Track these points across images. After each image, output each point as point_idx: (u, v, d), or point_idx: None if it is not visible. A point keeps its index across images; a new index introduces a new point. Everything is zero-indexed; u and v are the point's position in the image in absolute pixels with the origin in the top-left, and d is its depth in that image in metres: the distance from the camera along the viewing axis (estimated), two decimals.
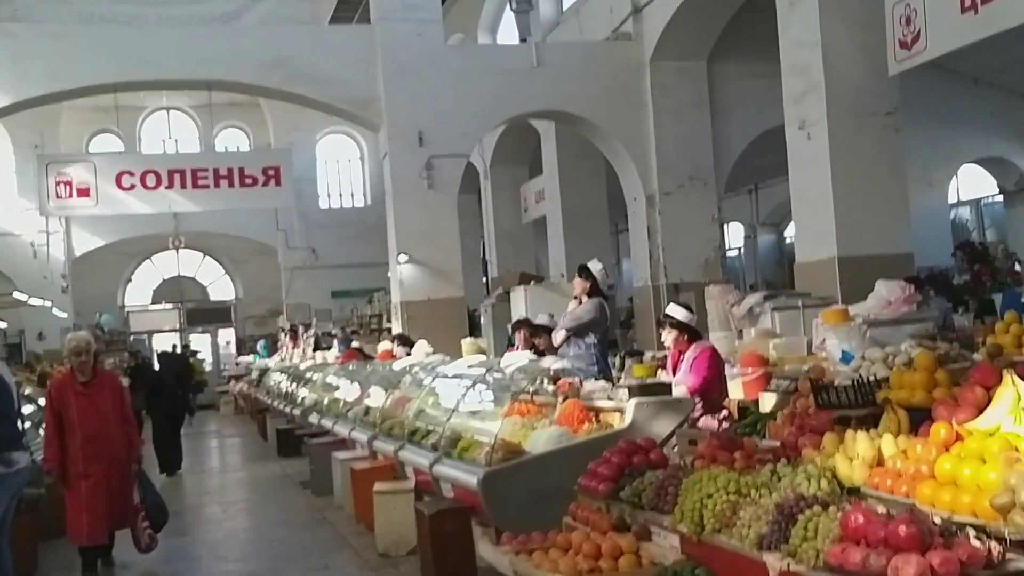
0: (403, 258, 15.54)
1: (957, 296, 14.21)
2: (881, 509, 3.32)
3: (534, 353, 8.72)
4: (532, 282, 16.08)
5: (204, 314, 33.08)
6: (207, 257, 32.87)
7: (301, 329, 25.57)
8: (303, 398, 14.80)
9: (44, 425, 8.26)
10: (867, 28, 11.64)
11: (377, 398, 10.35)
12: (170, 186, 16.11)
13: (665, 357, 11.13)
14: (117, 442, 7.87)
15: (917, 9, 10.60)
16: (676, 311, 7.32)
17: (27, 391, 11.19)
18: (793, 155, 12.52)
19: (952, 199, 19.57)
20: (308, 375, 15.95)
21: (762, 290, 13.93)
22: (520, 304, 15.53)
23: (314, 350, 21.83)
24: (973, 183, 20.02)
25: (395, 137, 15.53)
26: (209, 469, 15.91)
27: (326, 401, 12.91)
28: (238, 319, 33.04)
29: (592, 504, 4.74)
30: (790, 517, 3.34)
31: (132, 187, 16.02)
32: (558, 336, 8.74)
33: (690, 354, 7.22)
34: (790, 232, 25.81)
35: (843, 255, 11.66)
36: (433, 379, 9.11)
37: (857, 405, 4.33)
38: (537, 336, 10.51)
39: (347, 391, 12.31)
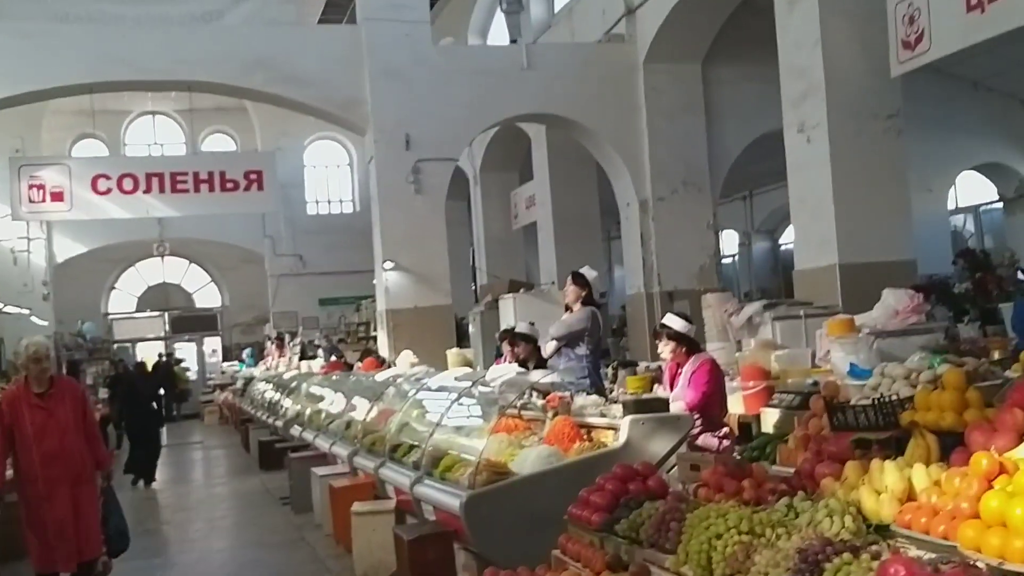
0: (389, 265, 15.08)
1: (958, 306, 13.82)
2: (915, 552, 2.90)
3: (520, 364, 8.27)
4: (522, 290, 15.63)
5: (189, 322, 32.66)
6: (192, 264, 32.42)
7: (287, 337, 25.15)
8: (286, 409, 14.35)
9: None
10: (869, 28, 11.27)
11: (360, 411, 9.89)
12: (148, 190, 15.57)
13: (660, 367, 10.78)
14: (81, 459, 6.99)
15: (921, 8, 10.23)
16: (673, 321, 6.87)
17: None
18: (792, 159, 12.12)
19: (950, 206, 19.20)
20: (292, 385, 15.49)
21: (757, 299, 13.54)
22: (509, 313, 15.08)
23: (300, 359, 21.40)
24: (970, 190, 19.66)
25: (381, 140, 15.07)
26: (188, 482, 15.43)
27: (308, 413, 12.45)
28: (224, 327, 32.60)
29: (584, 537, 4.28)
30: (815, 566, 2.89)
31: (109, 191, 15.46)
32: (548, 347, 8.27)
33: (688, 367, 6.77)
34: (785, 239, 25.49)
35: (844, 262, 11.25)
36: (416, 392, 8.65)
37: (878, 428, 3.89)
38: (516, 345, 10.15)
39: (330, 403, 11.86)
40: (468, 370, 10.04)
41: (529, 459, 5.92)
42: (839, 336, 7.56)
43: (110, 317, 31.88)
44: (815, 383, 7.07)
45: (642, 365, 11.23)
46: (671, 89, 15.78)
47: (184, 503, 12.91)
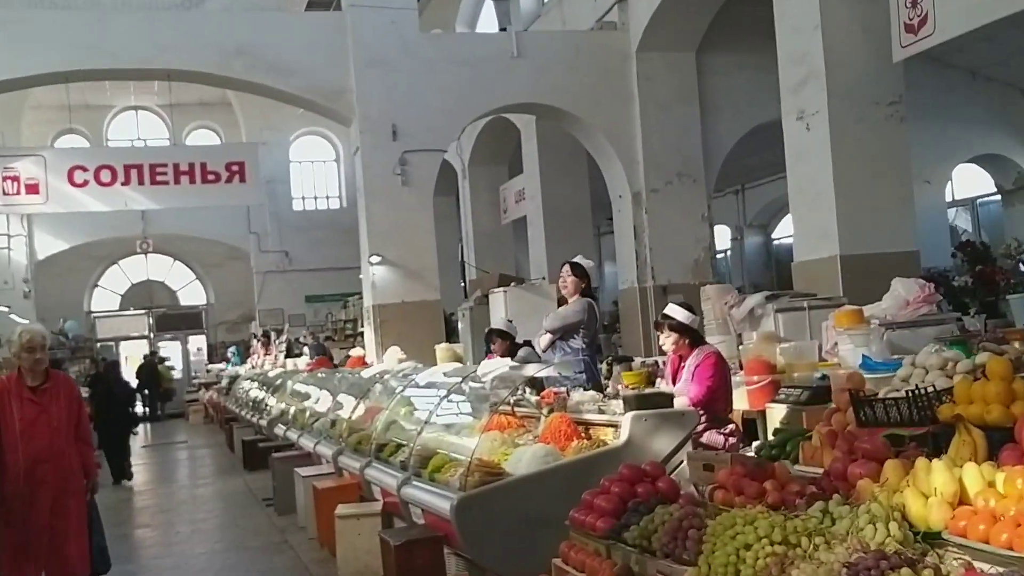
0: (375, 259, 14.66)
1: (957, 299, 13.52)
2: (981, 566, 2.53)
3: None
4: (513, 284, 15.23)
5: (174, 320, 32.25)
6: (177, 261, 31.98)
7: (273, 335, 24.76)
8: (270, 407, 13.96)
9: None
10: (870, 11, 10.95)
11: (345, 409, 9.49)
12: (127, 182, 15.10)
13: (656, 362, 10.41)
14: (71, 465, 6.32)
15: None
16: (676, 312, 6.47)
17: None
18: (791, 148, 11.76)
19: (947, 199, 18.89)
20: (276, 383, 15.09)
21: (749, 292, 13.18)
22: (500, 307, 14.67)
23: (286, 357, 21.01)
24: (966, 183, 19.36)
25: (367, 131, 14.64)
26: (170, 483, 15.00)
27: (292, 411, 12.06)
28: (209, 325, 32.20)
29: (588, 544, 3.88)
30: None
31: (86, 183, 14.99)
32: (542, 340, 7.86)
33: (692, 360, 6.37)
34: (778, 234, 25.19)
35: (846, 253, 10.91)
36: (404, 388, 8.26)
37: (912, 423, 3.52)
38: (493, 342, 9.81)
39: (315, 401, 11.47)
40: (458, 365, 9.64)
41: (524, 459, 5.53)
42: (848, 328, 7.22)
43: (93, 315, 31.42)
44: (823, 377, 6.73)
45: (637, 360, 10.89)
46: (665, 78, 15.43)
47: (165, 504, 12.48)
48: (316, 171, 31.15)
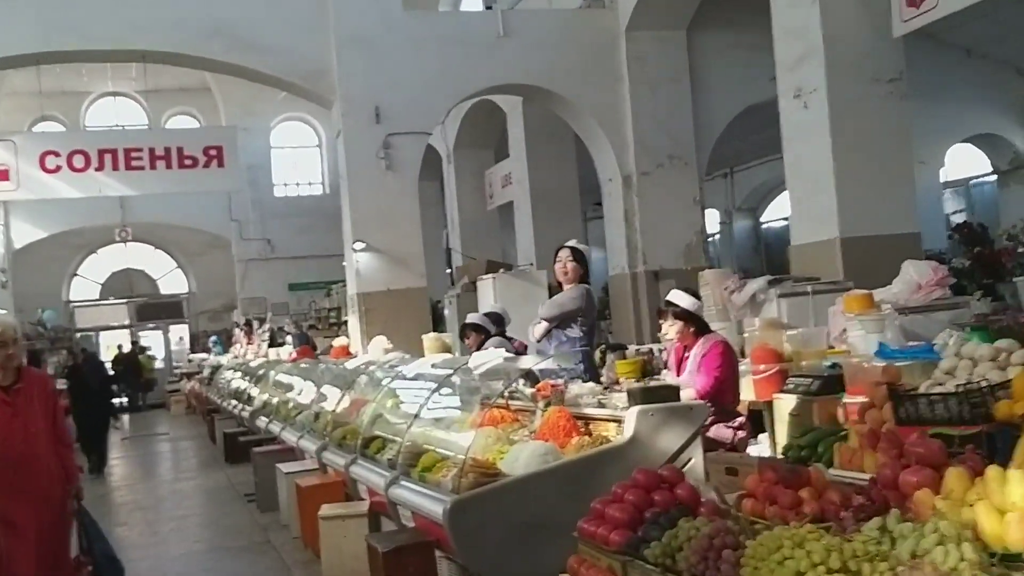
0: (359, 245, 14.23)
1: (956, 282, 13.21)
2: None
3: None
4: (501, 270, 14.83)
5: (155, 309, 31.81)
6: (157, 250, 31.48)
7: (256, 324, 24.33)
8: (252, 399, 13.53)
9: None
10: None
11: (329, 401, 9.08)
12: (100, 168, 14.57)
13: (651, 350, 10.04)
14: (49, 472, 5.65)
15: None
16: (680, 298, 6.09)
17: None
18: (788, 127, 11.37)
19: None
20: (259, 373, 14.66)
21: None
22: (488, 294, 14.30)
23: (269, 346, 20.59)
24: (958, 164, 19.07)
25: (349, 113, 14.19)
26: (149, 478, 14.56)
27: (275, 403, 11.64)
28: (191, 314, 31.73)
29: (600, 559, 3.47)
30: None
31: (58, 168, 14.45)
32: (537, 329, 7.44)
33: (697, 350, 5.99)
34: (767, 217, 24.90)
35: (846, 236, 10.55)
36: (391, 380, 7.85)
37: (962, 421, 3.15)
38: (466, 336, 9.50)
39: (298, 392, 11.05)
40: (448, 356, 9.24)
41: (521, 457, 5.14)
42: (859, 313, 6.86)
43: (72, 305, 30.89)
44: (833, 365, 6.37)
45: (631, 348, 10.52)
46: (655, 58, 15.05)
47: (142, 501, 12.06)
48: (298, 157, 30.68)
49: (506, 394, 6.49)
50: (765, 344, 7.06)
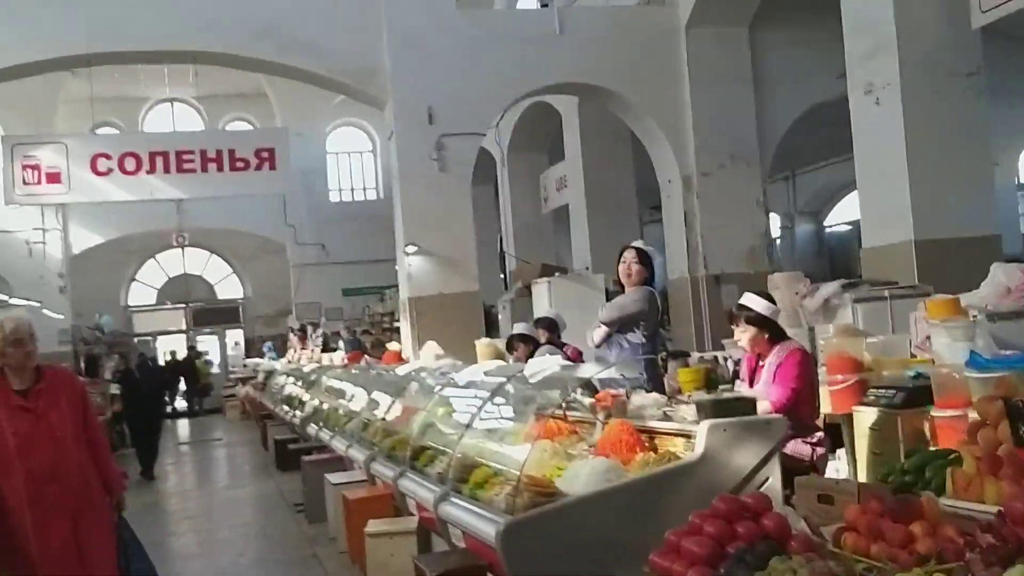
0: (411, 249, 13.93)
1: None
2: None
3: None
4: (557, 274, 14.44)
5: (211, 314, 31.89)
6: (213, 255, 31.55)
7: (310, 329, 24.22)
8: (303, 404, 13.30)
9: None
10: None
11: (379, 409, 8.76)
12: (152, 170, 14.44)
13: (715, 358, 9.59)
14: (84, 479, 5.16)
15: None
16: (754, 302, 5.63)
17: None
18: (858, 124, 10.84)
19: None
20: (311, 379, 14.43)
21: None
22: (543, 299, 13.92)
23: (323, 351, 20.42)
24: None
25: (402, 114, 13.92)
26: (199, 485, 14.40)
27: (325, 410, 11.37)
28: (246, 319, 31.76)
29: None
30: None
31: (109, 171, 14.32)
32: (596, 334, 7.00)
33: (773, 359, 5.53)
34: (830, 221, 24.24)
35: (921, 238, 10.01)
36: (442, 388, 7.50)
37: None
38: (514, 348, 9.19)
39: (348, 398, 10.77)
40: (501, 363, 8.85)
41: (581, 475, 4.73)
42: (944, 319, 6.34)
43: (130, 310, 31.08)
44: (917, 375, 5.89)
45: (694, 355, 10.07)
46: (716, 55, 14.58)
47: (189, 509, 11.86)
48: (353, 162, 30.59)
49: (563, 404, 6.08)
50: (842, 352, 6.56)
